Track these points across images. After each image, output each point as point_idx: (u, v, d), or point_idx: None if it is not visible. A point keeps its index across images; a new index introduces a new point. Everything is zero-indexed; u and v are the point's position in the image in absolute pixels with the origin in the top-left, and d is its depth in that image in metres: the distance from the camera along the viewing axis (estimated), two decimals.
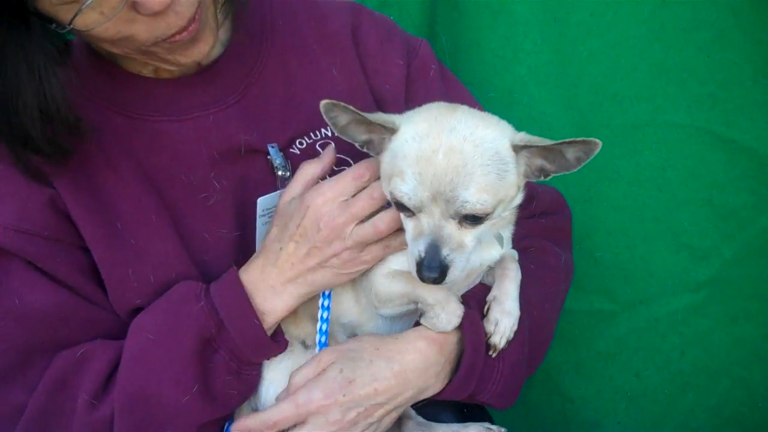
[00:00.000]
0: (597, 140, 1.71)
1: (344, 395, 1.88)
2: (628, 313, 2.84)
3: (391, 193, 1.77)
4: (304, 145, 2.24)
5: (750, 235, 2.67)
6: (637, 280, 2.80)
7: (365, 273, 2.04)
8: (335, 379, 1.90)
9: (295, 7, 2.36)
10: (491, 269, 2.08)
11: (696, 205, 2.68)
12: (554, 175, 1.83)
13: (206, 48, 1.99)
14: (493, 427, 2.34)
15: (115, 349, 1.98)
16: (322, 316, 2.05)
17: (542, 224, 2.35)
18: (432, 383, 1.99)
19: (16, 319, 1.96)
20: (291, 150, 2.23)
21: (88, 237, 2.02)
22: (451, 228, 1.74)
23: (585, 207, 2.54)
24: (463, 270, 1.77)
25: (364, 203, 1.87)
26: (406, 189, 1.72)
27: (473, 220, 1.74)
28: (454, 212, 1.72)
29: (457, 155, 1.70)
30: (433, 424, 2.37)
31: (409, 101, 2.39)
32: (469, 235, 1.77)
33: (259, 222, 2.16)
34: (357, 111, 1.75)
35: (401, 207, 1.77)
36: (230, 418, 2.11)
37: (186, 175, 2.12)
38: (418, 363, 1.94)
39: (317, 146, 2.24)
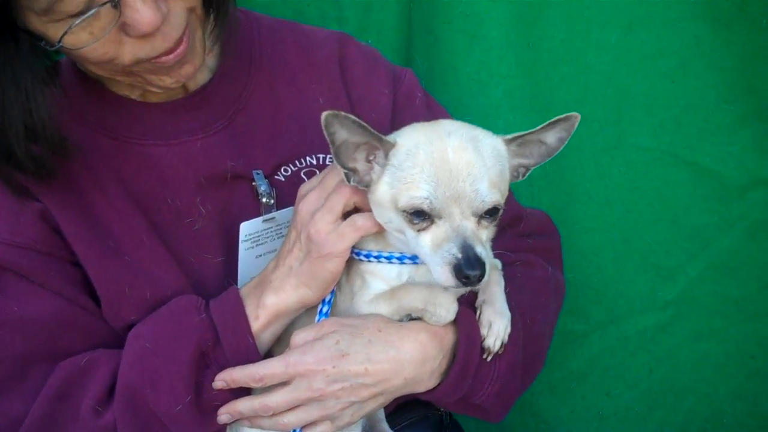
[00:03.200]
0: (575, 113, 1.81)
1: (334, 366, 1.87)
2: (599, 333, 2.89)
3: (406, 206, 1.75)
4: (289, 173, 2.26)
5: (713, 254, 2.75)
6: (607, 300, 2.86)
7: (350, 304, 2.03)
8: (329, 348, 1.89)
9: (282, 35, 2.40)
10: None
11: (662, 225, 2.76)
12: (533, 168, 1.92)
13: (191, 70, 2.00)
14: None
15: (119, 357, 1.95)
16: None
17: (530, 243, 2.39)
18: (425, 378, 1.98)
19: (14, 328, 1.93)
20: (276, 177, 2.25)
21: (81, 253, 2.00)
22: (473, 227, 1.75)
23: (558, 229, 2.58)
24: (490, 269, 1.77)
25: (336, 197, 1.88)
26: (424, 194, 1.72)
27: (490, 216, 1.77)
28: (476, 209, 1.74)
29: (466, 153, 1.75)
30: None
31: (395, 130, 2.41)
32: (484, 235, 1.79)
33: (242, 247, 2.17)
34: (358, 120, 1.73)
35: (417, 218, 1.76)
36: None
37: (172, 200, 2.13)
38: (416, 353, 1.93)
39: (302, 174, 2.27)
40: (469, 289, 2.02)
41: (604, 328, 2.88)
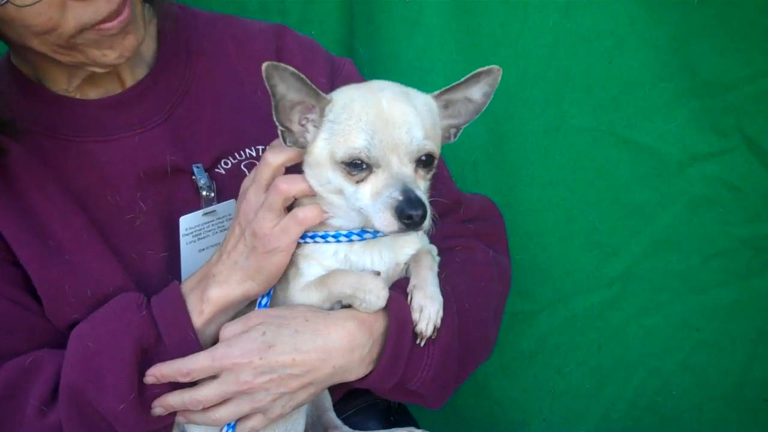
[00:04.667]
0: (497, 66, 1.92)
1: (260, 358, 1.87)
2: (547, 312, 2.95)
3: (345, 156, 1.78)
4: (229, 165, 2.26)
5: (655, 230, 2.83)
6: (554, 279, 2.91)
7: (285, 294, 2.04)
8: (255, 340, 1.89)
9: (219, 29, 2.40)
10: (407, 266, 2.10)
11: (604, 204, 2.83)
12: (464, 127, 1.98)
13: (134, 42, 2.00)
14: (418, 431, 2.36)
15: (63, 357, 1.93)
16: None
17: (471, 229, 2.39)
18: (355, 366, 1.98)
19: None
20: (216, 170, 2.25)
21: (21, 254, 1.99)
22: (411, 174, 1.79)
23: (503, 211, 2.59)
24: (431, 216, 1.79)
25: (272, 195, 1.88)
26: (362, 143, 1.76)
27: (426, 164, 1.82)
28: (412, 154, 1.78)
29: (399, 104, 1.81)
30: None
31: None
32: (422, 186, 1.83)
33: (183, 241, 2.17)
34: (297, 72, 1.76)
35: (355, 169, 1.78)
36: None
37: (112, 196, 2.13)
38: (343, 341, 1.93)
39: (242, 166, 2.27)
40: (409, 255, 2.04)
41: (551, 306, 2.93)
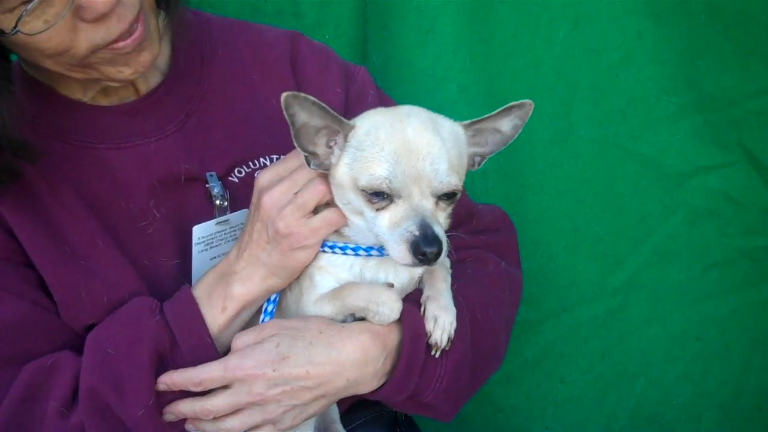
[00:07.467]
0: (529, 101, 1.86)
1: (274, 370, 1.85)
2: (552, 321, 2.97)
3: (366, 185, 1.77)
4: (243, 174, 2.25)
5: (657, 240, 2.88)
6: (560, 289, 2.93)
7: (298, 305, 2.03)
8: (269, 351, 1.87)
9: (234, 36, 2.38)
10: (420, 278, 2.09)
11: (609, 214, 2.87)
12: (489, 156, 1.96)
13: (149, 58, 1.98)
14: None
15: (81, 359, 1.91)
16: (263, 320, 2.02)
17: (483, 239, 2.39)
18: (368, 379, 1.97)
19: None
20: (230, 178, 2.23)
21: (36, 259, 1.96)
22: (431, 207, 1.78)
23: (512, 221, 2.62)
24: (446, 252, 1.79)
25: (309, 194, 1.88)
26: (384, 173, 1.74)
27: (448, 198, 1.80)
28: (435, 189, 1.77)
29: (426, 133, 1.78)
30: None
31: None
32: (441, 217, 1.81)
33: (195, 250, 2.15)
34: (318, 102, 1.75)
35: (376, 197, 1.77)
36: None
37: (126, 203, 2.10)
38: (357, 354, 1.92)
39: (255, 174, 2.21)
40: (422, 269, 2.02)
41: (557, 316, 2.96)
